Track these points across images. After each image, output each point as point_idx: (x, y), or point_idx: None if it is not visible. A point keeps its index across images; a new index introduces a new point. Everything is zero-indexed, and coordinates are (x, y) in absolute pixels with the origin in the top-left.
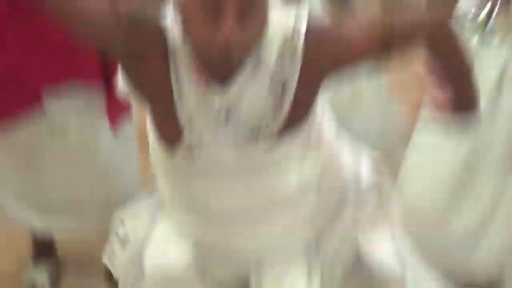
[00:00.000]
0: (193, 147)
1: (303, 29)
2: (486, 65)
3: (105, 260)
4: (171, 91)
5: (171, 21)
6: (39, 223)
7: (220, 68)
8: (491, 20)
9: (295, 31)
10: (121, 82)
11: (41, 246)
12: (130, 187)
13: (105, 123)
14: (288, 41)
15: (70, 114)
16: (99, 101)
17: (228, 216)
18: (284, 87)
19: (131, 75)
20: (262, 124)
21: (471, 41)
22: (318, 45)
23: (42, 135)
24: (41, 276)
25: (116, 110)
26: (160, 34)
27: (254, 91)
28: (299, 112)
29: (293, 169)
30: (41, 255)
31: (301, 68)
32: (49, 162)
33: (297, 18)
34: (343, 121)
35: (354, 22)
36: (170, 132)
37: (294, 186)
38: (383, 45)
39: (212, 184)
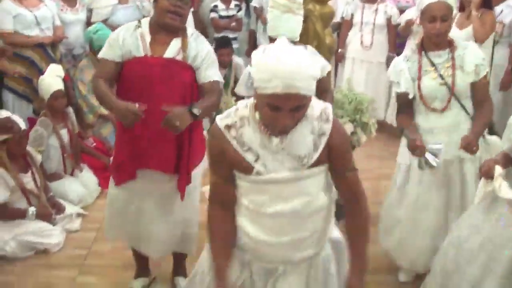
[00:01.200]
0: (263, 173)
1: (330, 110)
2: None
3: None
4: (239, 153)
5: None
6: (140, 248)
7: (276, 132)
8: None
9: (327, 108)
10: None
11: (140, 264)
12: (193, 230)
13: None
14: (324, 111)
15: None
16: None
17: (280, 217)
18: (320, 136)
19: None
20: (305, 157)
21: None
22: (337, 126)
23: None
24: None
25: (183, 186)
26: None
27: (301, 138)
28: (322, 158)
29: (321, 189)
30: (140, 270)
31: (331, 131)
32: (146, 211)
33: (327, 104)
34: None
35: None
36: (244, 169)
37: (321, 202)
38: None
39: (271, 194)
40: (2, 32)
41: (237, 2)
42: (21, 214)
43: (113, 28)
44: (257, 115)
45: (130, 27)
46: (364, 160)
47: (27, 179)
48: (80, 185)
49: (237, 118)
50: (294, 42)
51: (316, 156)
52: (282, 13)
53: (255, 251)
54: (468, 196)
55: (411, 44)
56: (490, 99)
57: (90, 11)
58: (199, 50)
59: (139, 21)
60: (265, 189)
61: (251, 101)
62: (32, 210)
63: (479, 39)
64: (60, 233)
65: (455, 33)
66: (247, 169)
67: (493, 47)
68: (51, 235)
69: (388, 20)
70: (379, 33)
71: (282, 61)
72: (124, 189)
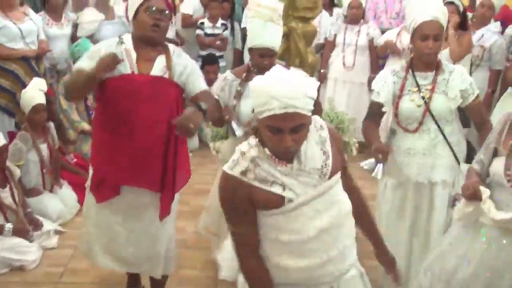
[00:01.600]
0: (292, 200)
1: (317, 117)
2: None
3: None
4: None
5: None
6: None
7: (287, 157)
8: None
9: (316, 119)
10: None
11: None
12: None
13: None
14: (313, 119)
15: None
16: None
17: (322, 234)
18: (323, 144)
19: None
20: (323, 168)
21: None
22: (329, 129)
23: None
24: None
25: (167, 204)
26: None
27: (313, 152)
28: (335, 162)
29: (344, 194)
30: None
31: (328, 135)
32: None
33: (320, 119)
34: None
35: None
36: (275, 203)
37: (348, 205)
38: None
39: (306, 217)
40: None
41: (223, 21)
42: None
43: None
44: (266, 150)
45: (111, 43)
46: None
47: (5, 194)
48: (59, 202)
49: (248, 162)
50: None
51: (330, 162)
52: (264, 22)
53: (309, 279)
54: (434, 222)
55: (393, 64)
56: (488, 120)
57: (75, 26)
58: (184, 67)
59: (120, 37)
60: (300, 214)
61: (253, 141)
62: (8, 226)
63: (454, 59)
64: (37, 250)
65: None
66: (278, 201)
67: (470, 69)
68: (27, 251)
69: (370, 41)
70: (361, 54)
71: (278, 83)
72: (105, 206)
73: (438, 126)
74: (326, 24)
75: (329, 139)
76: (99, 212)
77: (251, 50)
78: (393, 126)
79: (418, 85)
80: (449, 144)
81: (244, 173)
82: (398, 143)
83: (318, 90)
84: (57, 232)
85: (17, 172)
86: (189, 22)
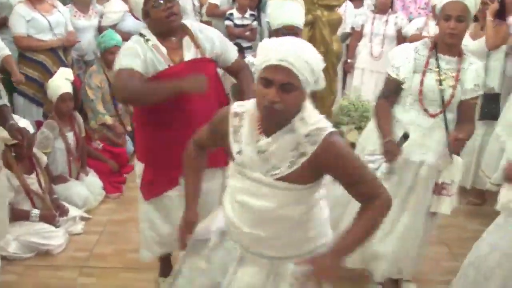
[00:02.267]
0: (241, 165)
1: (327, 130)
2: None
3: None
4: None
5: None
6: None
7: (269, 121)
8: None
9: (321, 129)
10: None
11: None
12: None
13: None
14: (315, 131)
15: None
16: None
17: (245, 208)
18: (299, 156)
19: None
20: (274, 169)
21: None
22: (327, 148)
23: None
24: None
25: None
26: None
27: (283, 146)
28: (297, 176)
29: (290, 204)
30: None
31: (314, 153)
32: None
33: (327, 124)
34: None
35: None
36: (231, 154)
37: (286, 213)
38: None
39: (243, 185)
40: (16, 36)
41: (252, 12)
42: (25, 216)
43: (121, 33)
44: (257, 111)
45: (141, 42)
46: None
47: (32, 181)
48: (85, 189)
49: (245, 109)
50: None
51: (286, 172)
52: (282, 1)
53: (226, 225)
54: (411, 200)
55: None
56: (473, 123)
57: (101, 16)
58: (212, 40)
59: (141, 35)
60: (242, 179)
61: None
62: (35, 212)
63: (489, 47)
64: (63, 235)
65: (468, 43)
66: (232, 156)
67: (505, 59)
68: (53, 236)
69: (398, 31)
70: (389, 44)
71: (283, 41)
72: (160, 201)
73: (444, 112)
74: (351, 14)
75: (310, 157)
76: (157, 207)
77: (275, 32)
78: (405, 101)
79: (438, 66)
80: (448, 131)
81: (235, 114)
82: (400, 115)
83: (345, 80)
84: (83, 218)
85: (44, 159)
86: (215, 12)
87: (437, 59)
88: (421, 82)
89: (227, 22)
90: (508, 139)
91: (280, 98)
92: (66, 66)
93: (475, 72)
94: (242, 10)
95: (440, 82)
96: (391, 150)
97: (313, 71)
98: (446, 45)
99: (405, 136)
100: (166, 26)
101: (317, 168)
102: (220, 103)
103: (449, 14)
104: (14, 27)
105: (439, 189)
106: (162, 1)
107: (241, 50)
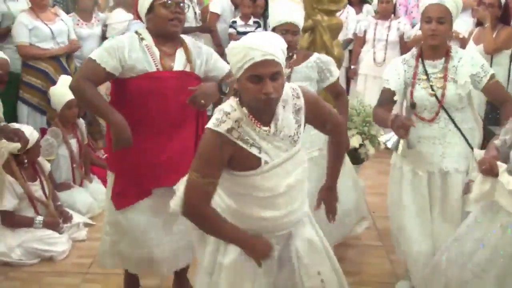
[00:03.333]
0: (268, 162)
1: (298, 86)
2: None
3: None
4: (246, 150)
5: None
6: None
7: (266, 111)
8: None
9: (294, 87)
10: None
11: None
12: None
13: None
14: (292, 90)
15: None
16: None
17: (290, 190)
18: (298, 113)
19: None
20: (295, 135)
21: None
22: (308, 98)
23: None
24: None
25: None
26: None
27: (287, 119)
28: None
29: (305, 157)
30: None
31: (304, 104)
32: (154, 228)
33: (297, 88)
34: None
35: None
36: (253, 163)
37: (305, 158)
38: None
39: (278, 176)
40: (18, 45)
41: (256, 19)
42: (28, 222)
43: None
44: (245, 109)
45: (133, 40)
46: (375, 176)
47: (36, 187)
48: (88, 195)
49: (232, 121)
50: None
51: (301, 130)
52: (281, 1)
53: (274, 227)
54: (448, 211)
55: (413, 50)
56: (510, 98)
57: (105, 26)
58: (202, 57)
59: (137, 33)
60: (274, 173)
61: (233, 101)
62: (39, 219)
63: (487, 51)
64: (66, 241)
65: (471, 47)
66: (256, 162)
67: (510, 64)
68: (57, 243)
69: (401, 36)
70: (392, 50)
71: (254, 37)
72: (131, 211)
73: (448, 115)
74: (353, 19)
75: (304, 107)
76: (124, 218)
77: (273, 31)
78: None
79: (426, 73)
80: (461, 131)
81: (230, 130)
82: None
83: (348, 85)
84: (86, 225)
85: (47, 166)
86: (216, 21)
87: (423, 66)
88: (411, 94)
89: (230, 30)
90: None
91: (273, 88)
92: (69, 74)
93: (468, 62)
94: (245, 18)
95: (431, 88)
96: (402, 123)
97: (284, 52)
98: (430, 48)
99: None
100: (166, 28)
101: (308, 114)
102: (196, 115)
103: (430, 16)
104: (16, 36)
105: (467, 188)
106: (171, 3)
107: None
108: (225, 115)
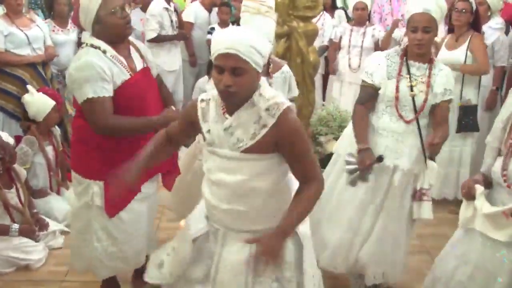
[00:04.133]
0: (212, 144)
1: (285, 105)
2: None
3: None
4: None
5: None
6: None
7: (226, 102)
8: None
9: (279, 103)
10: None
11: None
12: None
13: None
14: (273, 105)
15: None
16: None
17: (221, 186)
18: (261, 128)
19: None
20: (240, 142)
21: None
22: (284, 122)
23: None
24: None
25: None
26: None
27: (245, 121)
28: (261, 147)
29: (259, 174)
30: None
31: (274, 124)
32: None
33: (283, 99)
34: None
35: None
36: (203, 136)
37: (258, 185)
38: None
39: (216, 164)
40: None
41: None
42: (4, 231)
43: None
44: (219, 98)
45: (100, 56)
46: None
47: (11, 195)
48: (65, 203)
49: (210, 96)
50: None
51: (250, 143)
52: (252, 15)
53: (208, 210)
54: (387, 206)
55: (396, 48)
56: (447, 124)
57: (81, 31)
58: (147, 51)
59: (93, 46)
60: (213, 158)
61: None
62: (15, 226)
63: (486, 69)
64: (43, 249)
65: (444, 54)
66: (204, 137)
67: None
68: (33, 251)
69: (376, 43)
70: (367, 56)
71: (229, 31)
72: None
73: (416, 118)
74: (329, 26)
75: (272, 128)
76: (120, 217)
77: None
78: (378, 107)
79: (409, 73)
80: (421, 136)
81: (202, 101)
82: (374, 121)
83: (324, 92)
84: (63, 232)
85: (23, 172)
86: (190, 30)
87: (407, 66)
88: (397, 88)
89: (208, 36)
90: None
91: (233, 81)
92: (45, 80)
93: (445, 77)
94: (223, 24)
95: (411, 88)
96: (366, 159)
97: (260, 53)
98: (416, 53)
99: (380, 159)
100: (121, 33)
101: (275, 139)
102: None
103: (416, 26)
104: None
105: (419, 195)
106: (118, 9)
107: None
108: (212, 91)
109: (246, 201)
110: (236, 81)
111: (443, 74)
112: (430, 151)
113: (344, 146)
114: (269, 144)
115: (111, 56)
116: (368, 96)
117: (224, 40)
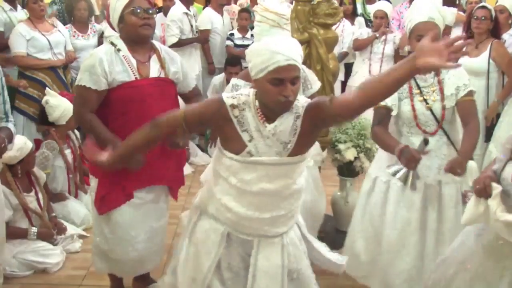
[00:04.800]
0: (254, 154)
1: (308, 100)
2: None
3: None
4: (237, 131)
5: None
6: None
7: (279, 112)
8: None
9: (304, 105)
10: None
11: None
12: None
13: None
14: (303, 102)
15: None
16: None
17: (263, 195)
18: (296, 121)
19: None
20: (288, 143)
21: None
22: (310, 113)
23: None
24: None
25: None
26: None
27: (285, 125)
28: (303, 143)
29: (300, 175)
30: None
31: (302, 121)
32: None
33: (305, 100)
34: None
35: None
36: (237, 147)
37: (298, 186)
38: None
39: (258, 174)
40: (16, 55)
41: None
42: (23, 234)
43: None
44: (257, 102)
45: (110, 52)
46: None
47: (30, 199)
48: (83, 207)
49: (240, 102)
50: None
51: (294, 140)
52: (270, 28)
53: (237, 224)
54: (444, 220)
55: None
56: (476, 118)
57: (101, 35)
58: (175, 64)
59: (113, 44)
60: (254, 168)
61: (252, 90)
62: (33, 230)
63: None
64: (61, 253)
65: (465, 61)
66: (240, 148)
67: (503, 76)
68: (51, 255)
69: (396, 50)
70: (387, 63)
71: (278, 42)
72: (113, 213)
73: (441, 127)
74: (348, 33)
75: (302, 115)
76: (110, 217)
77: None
78: (402, 130)
79: (419, 87)
80: (452, 144)
81: (233, 106)
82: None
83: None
84: (80, 236)
85: (43, 176)
86: (208, 37)
87: (415, 80)
88: (413, 107)
89: (228, 42)
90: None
91: (291, 91)
92: (65, 84)
93: (453, 76)
94: (243, 31)
95: (426, 101)
96: (411, 156)
97: (302, 58)
98: None
99: (426, 142)
100: (138, 34)
101: (312, 121)
102: None
103: (421, 34)
104: (14, 46)
105: (463, 198)
106: (140, 11)
107: (238, 61)
108: (238, 95)
109: (287, 204)
110: (293, 90)
111: (451, 74)
112: (454, 174)
113: (376, 168)
114: (309, 133)
115: (122, 55)
116: (382, 117)
117: (281, 52)
